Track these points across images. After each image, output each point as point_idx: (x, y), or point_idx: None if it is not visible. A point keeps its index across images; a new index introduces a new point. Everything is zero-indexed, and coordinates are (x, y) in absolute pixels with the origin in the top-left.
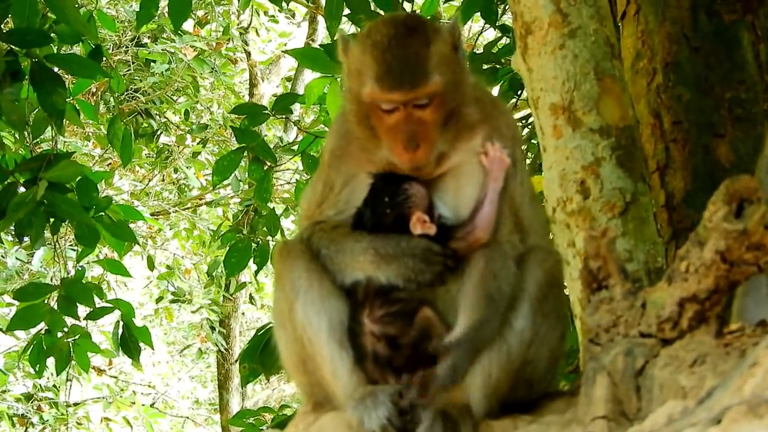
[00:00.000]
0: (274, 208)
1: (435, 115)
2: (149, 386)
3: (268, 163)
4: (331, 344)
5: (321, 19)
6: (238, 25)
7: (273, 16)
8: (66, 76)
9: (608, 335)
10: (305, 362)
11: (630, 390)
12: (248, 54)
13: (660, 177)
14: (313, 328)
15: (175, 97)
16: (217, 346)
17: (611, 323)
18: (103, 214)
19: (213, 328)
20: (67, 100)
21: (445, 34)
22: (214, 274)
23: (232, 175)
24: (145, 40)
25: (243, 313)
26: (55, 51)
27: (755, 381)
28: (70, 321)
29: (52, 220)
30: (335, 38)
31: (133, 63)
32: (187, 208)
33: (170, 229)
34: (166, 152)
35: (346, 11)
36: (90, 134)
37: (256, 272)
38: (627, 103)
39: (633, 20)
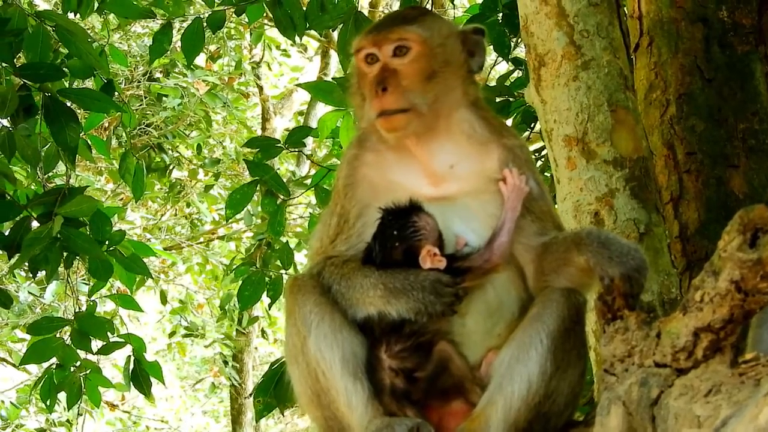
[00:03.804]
0: (287, 241)
1: (414, 67)
2: (162, 421)
3: (282, 197)
4: (345, 377)
5: (333, 53)
6: (250, 59)
7: (285, 50)
8: (79, 111)
9: (623, 365)
10: (319, 396)
11: (645, 420)
12: (260, 88)
13: (674, 208)
14: (326, 362)
15: (187, 132)
16: (230, 380)
17: (626, 353)
18: (116, 248)
19: (226, 363)
20: (79, 134)
21: (451, 24)
22: (227, 308)
23: (245, 209)
24: (158, 75)
25: (256, 348)
26: (68, 86)
27: None
28: (82, 355)
29: (65, 254)
30: (348, 72)
31: (145, 98)
32: (200, 243)
33: (183, 264)
34: (179, 187)
35: None
36: (102, 169)
37: (270, 305)
38: (640, 135)
39: (646, 52)
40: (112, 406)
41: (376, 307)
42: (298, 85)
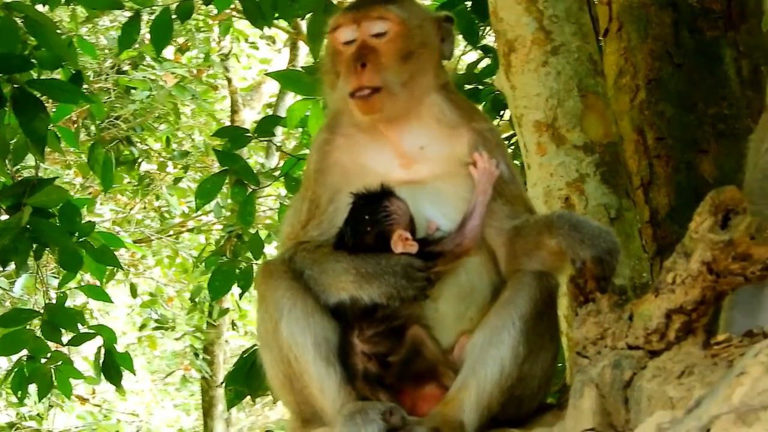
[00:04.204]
0: (257, 232)
1: (391, 46)
2: (133, 414)
3: (252, 187)
4: (318, 361)
5: (302, 45)
6: (218, 51)
7: (253, 42)
8: (47, 102)
9: (596, 348)
10: (292, 381)
11: (618, 402)
12: (229, 80)
13: (644, 193)
14: (298, 346)
15: (156, 125)
16: (201, 372)
17: (599, 336)
18: (86, 239)
19: (197, 355)
20: (48, 126)
21: (426, 8)
22: (197, 300)
23: (215, 201)
24: (125, 68)
25: (227, 341)
26: (36, 77)
27: (744, 390)
28: (52, 347)
29: (35, 246)
30: (318, 60)
31: (113, 90)
32: (170, 236)
33: (153, 257)
34: (148, 179)
35: None
36: (71, 162)
37: (240, 295)
38: (610, 120)
39: (616, 37)
40: (83, 400)
41: (348, 291)
42: (267, 74)
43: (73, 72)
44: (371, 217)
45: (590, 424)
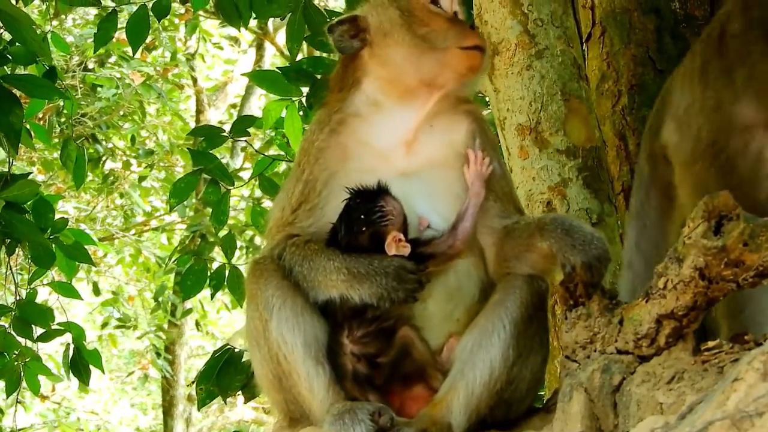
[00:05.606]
0: (230, 231)
1: None
2: (92, 413)
3: (226, 186)
4: (307, 360)
5: (268, 45)
6: (184, 51)
7: (218, 43)
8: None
9: (585, 352)
10: (281, 380)
11: (607, 406)
12: (194, 80)
13: (625, 198)
14: (288, 345)
15: (121, 123)
16: (162, 372)
17: (588, 340)
18: (57, 236)
19: (158, 354)
20: (23, 121)
21: None
22: (160, 299)
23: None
24: (92, 65)
25: (187, 342)
26: (9, 72)
27: (738, 396)
28: (21, 343)
29: (8, 241)
30: (296, 60)
31: (80, 88)
32: (133, 235)
33: (117, 254)
34: (112, 178)
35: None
36: (35, 159)
37: (212, 295)
38: (593, 124)
39: (598, 42)
40: (43, 397)
41: (339, 290)
42: (243, 74)
43: (47, 68)
44: (366, 217)
45: (579, 428)
